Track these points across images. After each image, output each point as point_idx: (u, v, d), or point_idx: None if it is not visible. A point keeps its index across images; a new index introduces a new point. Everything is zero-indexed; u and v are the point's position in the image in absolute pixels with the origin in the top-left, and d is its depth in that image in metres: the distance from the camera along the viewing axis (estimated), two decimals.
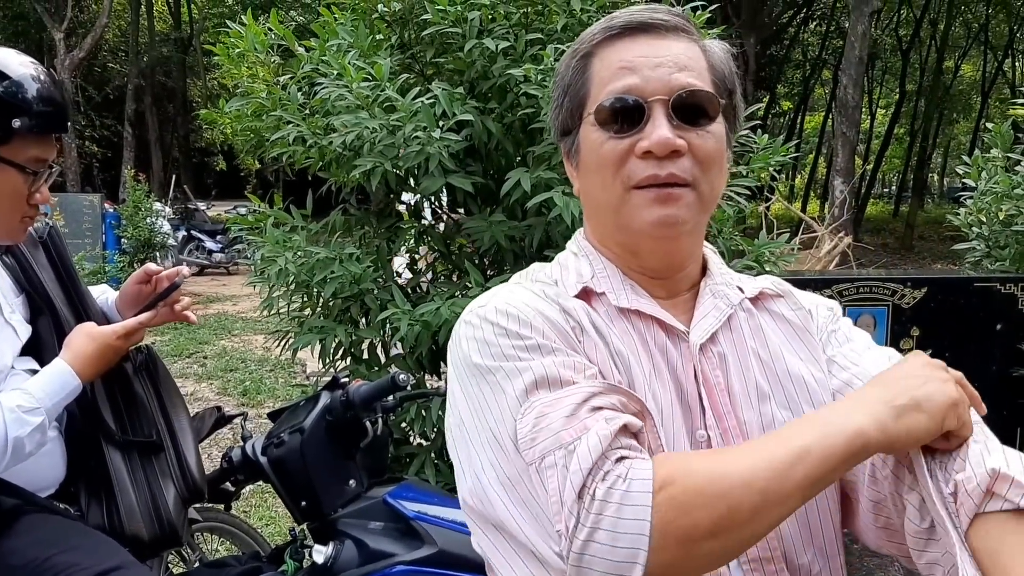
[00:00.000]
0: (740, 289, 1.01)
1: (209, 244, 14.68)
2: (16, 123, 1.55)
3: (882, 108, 37.31)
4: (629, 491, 0.73)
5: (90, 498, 1.78)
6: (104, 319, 1.95)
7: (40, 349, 1.79)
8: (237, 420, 2.28)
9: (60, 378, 1.66)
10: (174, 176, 19.25)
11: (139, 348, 2.01)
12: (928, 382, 0.81)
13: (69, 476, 1.81)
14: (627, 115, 0.90)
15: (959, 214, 4.11)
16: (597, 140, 0.93)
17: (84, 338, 1.72)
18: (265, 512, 4.34)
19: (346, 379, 2.03)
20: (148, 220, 11.90)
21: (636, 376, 0.91)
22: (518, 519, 0.80)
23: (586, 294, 0.96)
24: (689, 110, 0.90)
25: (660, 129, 0.88)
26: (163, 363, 2.05)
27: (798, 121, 31.35)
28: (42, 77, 1.62)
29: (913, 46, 27.05)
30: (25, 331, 1.76)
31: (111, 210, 12.52)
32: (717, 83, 0.94)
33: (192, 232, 14.80)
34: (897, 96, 29.58)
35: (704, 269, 1.03)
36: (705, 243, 1.03)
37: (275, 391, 6.71)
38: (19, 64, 1.61)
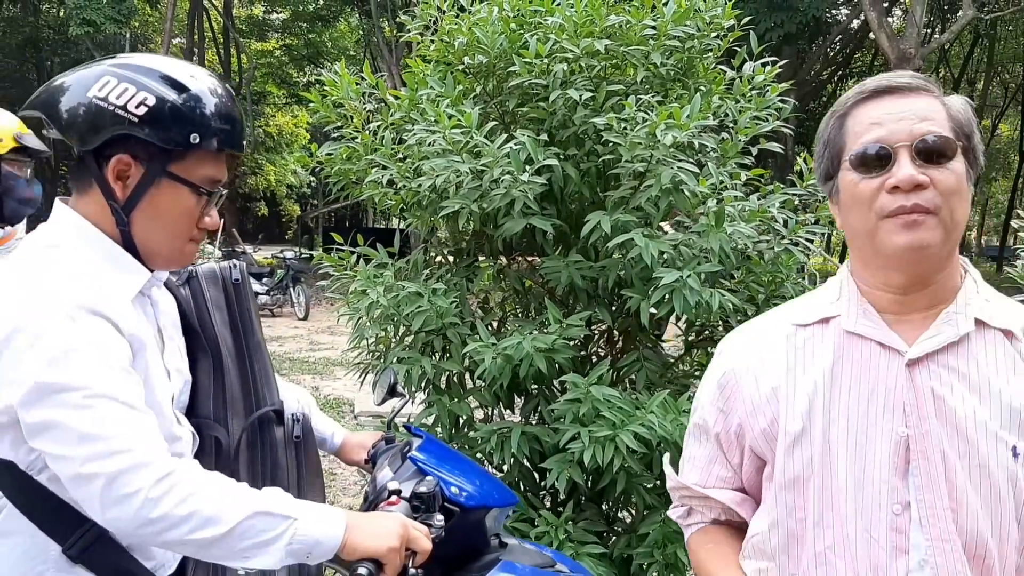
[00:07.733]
0: (980, 321, 1.16)
1: (255, 287, 15.00)
2: (194, 138, 1.40)
3: None
4: None
5: (196, 569, 1.56)
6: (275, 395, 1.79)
7: (197, 396, 1.64)
8: None
9: (329, 516, 1.34)
10: (222, 220, 19.71)
11: (296, 418, 1.80)
12: None
13: None
14: (877, 160, 1.12)
15: (1016, 266, 4.18)
16: (853, 181, 1.16)
17: (380, 515, 1.46)
18: None
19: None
20: (199, 261, 12.19)
21: (829, 392, 1.19)
22: None
23: (824, 320, 1.24)
24: (930, 152, 1.11)
25: (904, 168, 1.10)
26: (315, 439, 1.88)
27: None
28: (220, 91, 1.47)
29: None
30: (179, 378, 1.56)
31: None
32: (956, 129, 1.14)
33: None
34: None
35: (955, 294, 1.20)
36: (969, 265, 1.22)
37: None
38: (198, 76, 1.45)
